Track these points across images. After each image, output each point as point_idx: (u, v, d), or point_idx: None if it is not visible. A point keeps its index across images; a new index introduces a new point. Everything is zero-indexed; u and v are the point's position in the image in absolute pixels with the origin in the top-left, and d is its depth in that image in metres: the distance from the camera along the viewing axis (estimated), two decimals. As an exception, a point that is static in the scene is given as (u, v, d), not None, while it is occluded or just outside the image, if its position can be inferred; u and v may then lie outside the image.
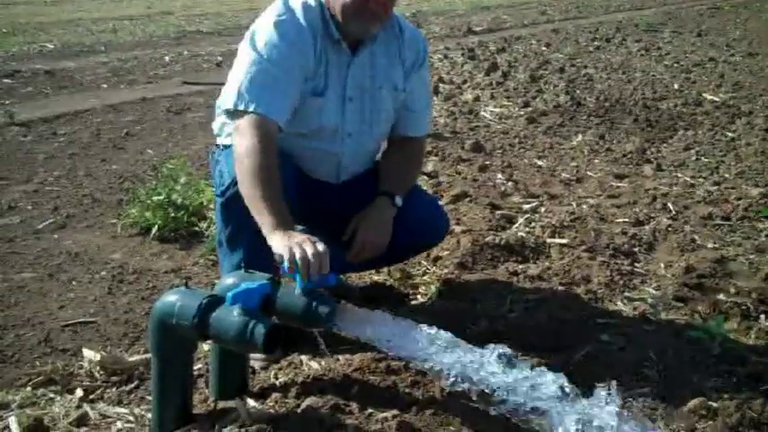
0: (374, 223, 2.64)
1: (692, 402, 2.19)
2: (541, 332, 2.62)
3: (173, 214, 3.95)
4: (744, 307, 2.89)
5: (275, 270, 2.17)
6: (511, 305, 2.88)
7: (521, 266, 3.29)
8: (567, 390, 1.80)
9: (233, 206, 2.44)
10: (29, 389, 2.47)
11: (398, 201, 2.69)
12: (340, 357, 2.48)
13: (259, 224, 2.25)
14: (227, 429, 2.02)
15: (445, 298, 3.02)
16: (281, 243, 2.12)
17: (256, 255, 2.29)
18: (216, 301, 2.02)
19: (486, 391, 1.85)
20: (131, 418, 2.27)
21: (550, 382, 1.81)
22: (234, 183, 2.40)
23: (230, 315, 1.96)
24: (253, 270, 2.18)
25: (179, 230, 3.91)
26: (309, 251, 2.07)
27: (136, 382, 2.52)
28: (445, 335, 1.97)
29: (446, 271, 3.27)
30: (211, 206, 3.85)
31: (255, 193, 2.27)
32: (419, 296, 3.12)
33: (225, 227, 2.55)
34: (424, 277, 3.30)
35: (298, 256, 2.06)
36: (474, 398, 1.86)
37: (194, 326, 1.98)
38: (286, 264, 2.07)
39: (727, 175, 4.74)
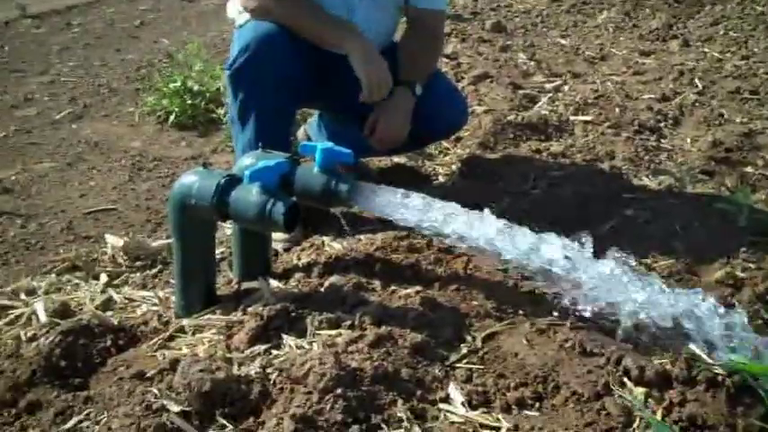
0: (394, 115, 2.62)
1: (719, 273, 2.15)
2: (565, 208, 2.57)
3: (189, 101, 3.89)
4: (772, 179, 2.83)
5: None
6: (534, 182, 2.83)
7: (544, 144, 3.22)
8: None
9: (241, 77, 2.41)
10: (54, 275, 2.47)
11: (418, 90, 2.66)
12: (362, 237, 2.45)
13: (320, 37, 2.40)
14: (252, 308, 2.00)
15: (467, 177, 2.97)
16: (361, 57, 2.42)
17: (268, 127, 2.28)
18: (234, 181, 1.97)
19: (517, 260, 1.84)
20: (156, 301, 2.26)
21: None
22: (242, 52, 2.37)
23: (249, 194, 1.91)
24: (270, 150, 2.13)
25: (197, 117, 3.86)
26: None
27: (159, 267, 2.52)
28: (465, 210, 1.93)
29: (468, 151, 3.22)
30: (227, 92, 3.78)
31: (303, 12, 2.42)
32: (440, 177, 3.07)
33: (235, 100, 2.51)
34: (446, 158, 3.25)
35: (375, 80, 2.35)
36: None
37: (214, 206, 1.94)
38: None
39: (756, 50, 4.57)
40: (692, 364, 1.72)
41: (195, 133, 3.77)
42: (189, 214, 2.02)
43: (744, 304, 2.00)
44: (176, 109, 3.87)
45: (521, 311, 2.00)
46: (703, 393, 1.66)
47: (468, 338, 1.89)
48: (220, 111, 3.85)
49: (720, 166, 2.95)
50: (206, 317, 2.05)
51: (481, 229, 1.88)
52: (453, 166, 3.11)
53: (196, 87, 3.95)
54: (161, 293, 2.31)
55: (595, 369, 1.74)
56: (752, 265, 2.21)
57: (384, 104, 2.62)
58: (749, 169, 2.92)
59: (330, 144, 2.08)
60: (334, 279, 2.14)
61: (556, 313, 1.95)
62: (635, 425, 1.60)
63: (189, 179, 2.01)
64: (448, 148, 3.30)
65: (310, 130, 3.11)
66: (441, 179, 3.05)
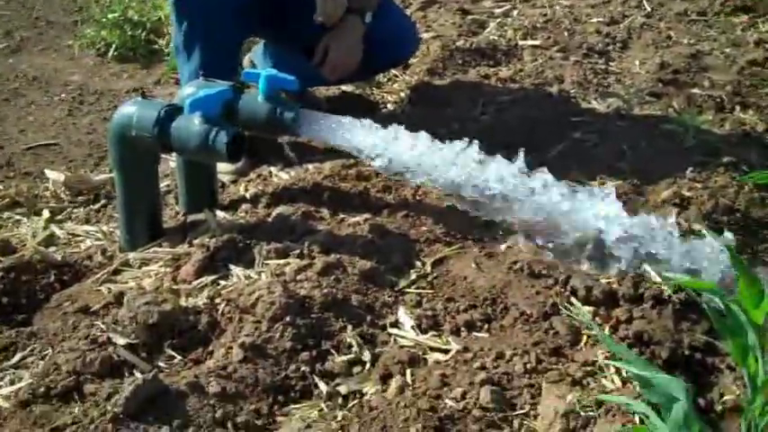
0: (344, 43, 2.58)
1: (666, 192, 2.17)
2: (514, 132, 2.55)
3: (130, 32, 3.78)
4: (718, 100, 2.83)
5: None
6: (483, 107, 2.81)
7: (492, 70, 3.19)
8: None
9: (185, 4, 2.35)
10: (-6, 212, 2.41)
11: (368, 18, 2.61)
12: (309, 166, 2.42)
13: None
14: (198, 240, 1.97)
15: (415, 104, 2.94)
16: None
17: (215, 54, 2.23)
18: (176, 110, 1.92)
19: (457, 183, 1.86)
20: (100, 236, 2.22)
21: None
22: None
23: (191, 123, 1.87)
24: (212, 78, 2.08)
25: (138, 49, 3.75)
26: None
27: (103, 201, 2.48)
28: (416, 134, 1.92)
29: (416, 78, 3.17)
30: (170, 21, 3.67)
31: None
32: (389, 104, 3.04)
33: (179, 27, 2.43)
34: (394, 85, 3.20)
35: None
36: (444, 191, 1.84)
37: (155, 136, 1.89)
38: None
39: (703, -29, 4.55)
40: (639, 282, 1.74)
41: (137, 65, 3.67)
42: (130, 146, 1.97)
43: (690, 222, 2.02)
44: (116, 41, 3.76)
45: (470, 237, 2.00)
46: (650, 311, 1.68)
47: (418, 264, 1.89)
48: (162, 41, 3.75)
49: (668, 88, 2.95)
50: (152, 250, 2.02)
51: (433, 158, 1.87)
52: (402, 94, 3.07)
53: (136, 17, 3.83)
54: (105, 228, 2.27)
55: (543, 290, 1.75)
56: (698, 185, 2.23)
57: (334, 33, 2.58)
58: (696, 90, 2.92)
59: (274, 71, 2.04)
60: (281, 209, 2.11)
61: (506, 238, 1.96)
62: (582, 342, 1.62)
63: (128, 110, 1.96)
64: (396, 76, 3.26)
65: (255, 58, 3.04)
66: (389, 107, 3.01)
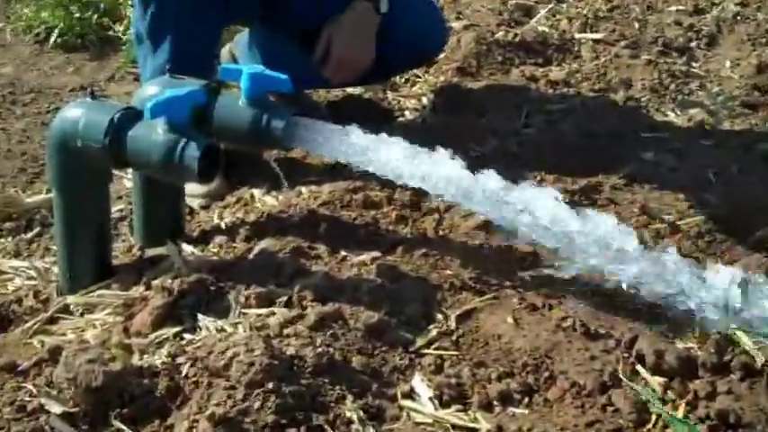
0: (352, 35, 2.61)
1: (762, 232, 2.18)
2: (567, 151, 2.58)
3: (77, 14, 3.85)
4: (832, 113, 2.87)
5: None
6: (527, 118, 2.84)
7: (541, 70, 3.23)
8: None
9: None
10: None
11: (384, 6, 2.63)
12: (303, 190, 2.44)
13: None
14: (158, 281, 2.00)
15: (441, 113, 2.97)
16: None
17: (188, 44, 2.27)
18: (133, 115, 1.95)
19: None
20: (33, 274, 2.25)
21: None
22: None
23: (153, 132, 1.89)
24: (182, 75, 2.11)
25: (87, 35, 3.82)
26: None
27: (37, 229, 2.52)
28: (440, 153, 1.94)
29: (442, 79, 3.21)
30: (129, 2, 3.73)
31: None
32: (407, 112, 3.08)
33: (144, 10, 2.47)
34: (414, 88, 3.24)
35: None
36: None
37: (106, 148, 1.92)
38: None
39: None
40: (724, 348, 1.74)
41: (85, 56, 3.73)
42: (74, 159, 2.00)
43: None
44: (60, 24, 3.82)
45: (507, 282, 2.01)
46: (738, 384, 1.68)
47: (439, 317, 1.90)
48: (119, 27, 3.81)
49: (767, 97, 2.97)
50: (98, 293, 2.05)
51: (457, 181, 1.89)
52: (424, 99, 3.11)
53: (86, -5, 3.89)
54: (39, 264, 2.30)
55: (601, 354, 1.76)
56: (804, 222, 2.24)
57: (340, 22, 2.61)
58: (803, 101, 2.96)
59: (260, 67, 2.07)
60: (266, 243, 2.14)
61: (553, 287, 1.98)
62: (650, 424, 1.62)
63: (73, 113, 1.99)
64: (417, 76, 3.30)
65: (238, 49, 3.08)
66: (408, 115, 3.05)
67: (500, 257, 2.07)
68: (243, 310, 1.89)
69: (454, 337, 1.85)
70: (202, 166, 1.86)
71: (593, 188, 2.38)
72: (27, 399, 1.66)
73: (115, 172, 2.13)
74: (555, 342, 1.79)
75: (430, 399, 1.69)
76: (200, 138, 1.89)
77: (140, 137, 1.91)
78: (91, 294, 2.05)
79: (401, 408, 1.68)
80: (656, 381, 1.70)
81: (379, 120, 2.94)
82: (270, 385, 1.63)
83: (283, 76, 2.04)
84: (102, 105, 2.00)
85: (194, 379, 1.69)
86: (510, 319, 1.87)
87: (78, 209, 2.10)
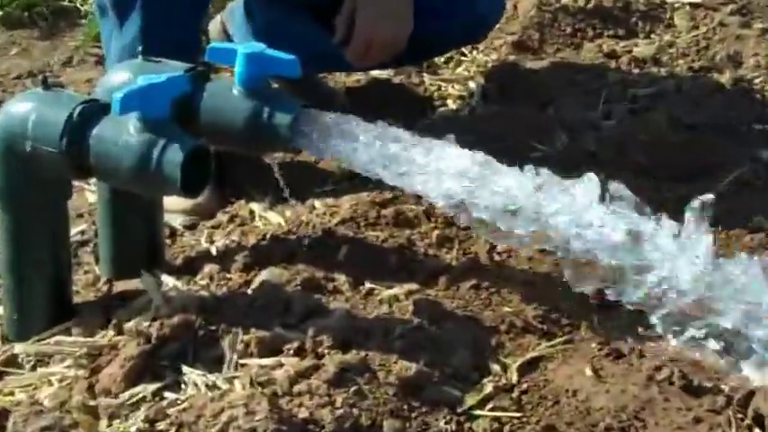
0: (383, 7, 2.63)
1: None
2: (660, 149, 2.57)
3: (24, -19, 3.87)
4: None
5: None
6: (606, 105, 2.85)
7: (622, 44, 3.23)
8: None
9: None
10: None
11: None
12: (317, 204, 2.45)
13: None
14: (132, 324, 2.00)
15: (494, 101, 2.98)
16: None
17: (164, 15, 2.30)
18: (98, 110, 1.96)
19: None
20: (-30, 316, 2.26)
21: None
22: None
23: (123, 132, 1.90)
24: (158, 57, 2.13)
25: (36, 7, 3.83)
26: None
27: (-25, 257, 2.52)
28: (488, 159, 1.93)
29: (495, 57, 3.22)
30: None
31: None
32: (450, 100, 3.08)
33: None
34: (459, 69, 3.26)
35: None
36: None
37: (64, 152, 1.93)
38: None
39: None
40: None
41: (34, 33, 3.76)
42: (22, 168, 2.01)
43: None
44: (2, -7, 3.85)
45: (584, 323, 2.01)
46: None
47: (496, 368, 1.89)
48: (78, -3, 3.85)
49: None
50: (54, 339, 2.05)
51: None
52: (471, 83, 3.12)
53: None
54: (-23, 302, 2.31)
55: (707, 415, 1.75)
56: None
57: None
58: None
59: (260, 45, 2.07)
60: (269, 274, 2.14)
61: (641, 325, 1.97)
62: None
63: (20, 109, 2.00)
64: (463, 54, 3.31)
65: (231, 21, 3.08)
66: (450, 104, 3.05)
67: (572, 291, 2.06)
68: (241, 361, 1.89)
69: (515, 394, 1.84)
70: (187, 175, 1.87)
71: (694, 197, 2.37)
72: (-35, 478, 1.67)
73: (75, 183, 2.13)
74: (647, 399, 1.78)
75: (485, 474, 1.69)
76: (185, 138, 1.89)
77: (107, 138, 1.92)
78: (45, 341, 2.05)
79: (448, 487, 1.68)
80: (780, 449, 1.70)
81: (413, 111, 2.94)
82: (277, 458, 1.64)
83: (290, 57, 2.04)
84: (58, 98, 2.01)
85: (179, 451, 1.70)
86: (588, 370, 1.86)
87: (28, 231, 2.10)
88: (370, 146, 1.97)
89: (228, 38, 3.05)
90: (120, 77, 2.08)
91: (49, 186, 2.08)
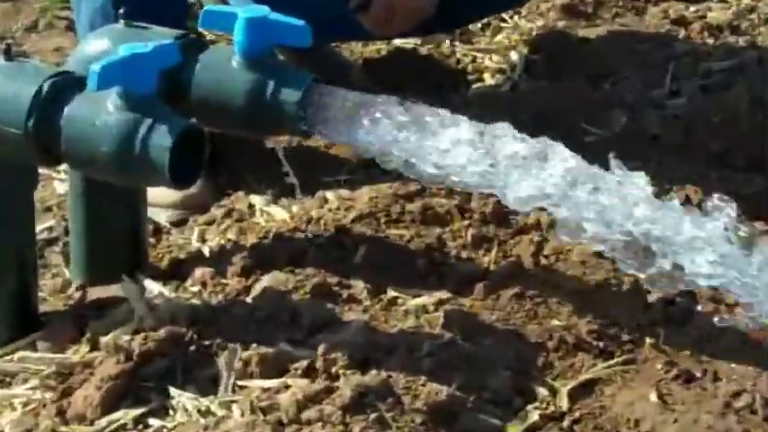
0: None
1: None
2: (737, 132, 2.56)
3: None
4: None
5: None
6: (673, 83, 2.84)
7: (692, 9, 3.22)
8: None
9: None
10: None
11: None
12: (329, 196, 2.45)
13: None
14: (109, 338, 2.00)
15: (539, 75, 2.98)
16: None
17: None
18: (71, 84, 1.97)
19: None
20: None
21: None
22: None
23: (102, 110, 1.90)
24: (141, 21, 2.13)
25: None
26: None
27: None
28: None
29: (541, 23, 3.22)
30: None
31: None
32: (487, 74, 3.08)
33: None
34: (498, 37, 3.26)
35: None
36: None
37: (30, 134, 1.93)
38: None
39: None
40: None
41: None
42: (-21, 152, 2.02)
43: None
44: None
45: (647, 340, 2.00)
46: None
47: (543, 392, 1.89)
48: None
49: None
50: (18, 355, 2.05)
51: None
52: (513, 54, 3.12)
53: None
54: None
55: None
56: None
57: None
58: None
59: (263, 9, 2.07)
60: (272, 279, 2.14)
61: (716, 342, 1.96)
62: None
63: (-21, 82, 2.01)
64: (503, 19, 3.31)
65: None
66: (488, 79, 3.05)
67: (635, 300, 2.05)
68: (239, 382, 1.89)
69: (566, 424, 1.84)
70: (177, 162, 1.86)
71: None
72: None
73: (42, 171, 2.12)
74: (723, 431, 1.78)
75: None
76: (174, 118, 1.89)
77: (82, 117, 1.92)
78: (6, 358, 2.05)
79: None
80: None
81: (443, 86, 2.94)
82: (282, 499, 1.63)
83: (299, 22, 2.04)
84: (23, 69, 2.02)
85: (165, 489, 1.70)
86: (653, 396, 1.85)
87: (-13, 228, 2.11)
88: (406, 131, 1.96)
89: (224, 1, 3.04)
90: (97, 46, 2.09)
91: (12, 174, 2.08)
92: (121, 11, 2.14)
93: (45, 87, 1.94)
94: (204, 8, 2.20)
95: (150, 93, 1.92)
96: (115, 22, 2.17)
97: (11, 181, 2.08)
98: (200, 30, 2.19)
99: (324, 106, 2.00)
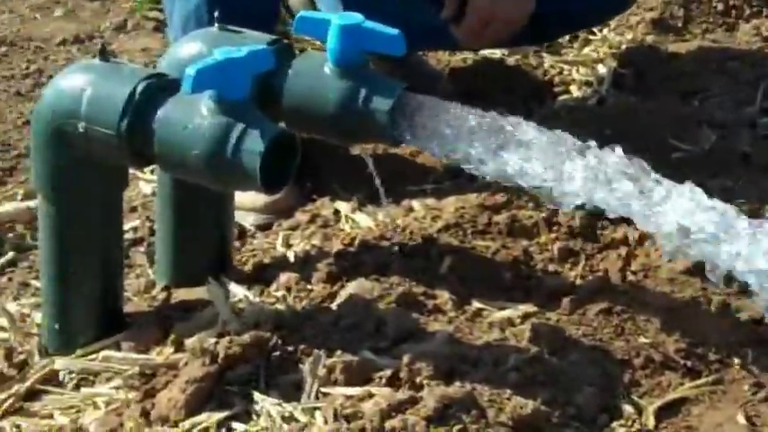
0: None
1: None
2: None
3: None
4: None
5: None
6: (766, 100, 2.82)
7: (787, 26, 3.20)
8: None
9: None
10: None
11: None
12: (415, 205, 2.45)
13: None
14: (194, 341, 2.00)
15: (629, 88, 2.97)
16: None
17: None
18: (165, 86, 1.97)
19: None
20: (4, 322, 2.27)
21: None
22: None
23: (194, 113, 1.91)
24: (235, 26, 2.14)
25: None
26: None
27: (10, 255, 2.56)
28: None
29: (630, 37, 3.21)
30: None
31: None
32: (574, 86, 3.07)
33: None
34: (586, 50, 3.25)
35: None
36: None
37: (123, 136, 1.94)
38: None
39: None
40: None
41: (83, -7, 3.79)
42: (73, 153, 2.02)
43: None
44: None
45: (736, 359, 1.98)
46: None
47: (629, 410, 1.88)
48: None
49: None
50: (102, 354, 2.06)
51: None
52: (600, 67, 3.11)
53: None
54: (12, 307, 2.33)
55: None
56: None
57: None
58: None
59: (357, 16, 2.06)
60: (357, 286, 2.14)
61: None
62: None
63: (74, 82, 2.02)
64: (592, 32, 3.30)
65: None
66: (575, 92, 3.05)
67: (723, 319, 2.04)
68: (323, 389, 1.89)
69: (651, 442, 1.83)
70: (268, 167, 1.86)
71: None
72: None
73: (133, 172, 2.13)
74: (811, 455, 1.76)
75: None
76: (267, 123, 1.89)
77: (175, 120, 1.93)
78: (91, 356, 2.06)
79: None
80: None
81: (530, 98, 2.93)
82: None
83: (393, 31, 2.03)
84: (118, 71, 2.02)
85: (250, 493, 1.70)
86: (740, 417, 1.84)
87: (76, 225, 2.11)
88: (480, 137, 1.95)
89: (314, 6, 3.04)
90: (190, 49, 2.09)
91: (103, 174, 2.08)
92: (216, 14, 2.15)
93: (139, 89, 1.94)
94: (299, 14, 2.19)
95: (243, 97, 1.92)
96: (208, 25, 2.18)
97: (102, 181, 2.09)
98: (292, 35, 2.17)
99: (414, 115, 2.00)
